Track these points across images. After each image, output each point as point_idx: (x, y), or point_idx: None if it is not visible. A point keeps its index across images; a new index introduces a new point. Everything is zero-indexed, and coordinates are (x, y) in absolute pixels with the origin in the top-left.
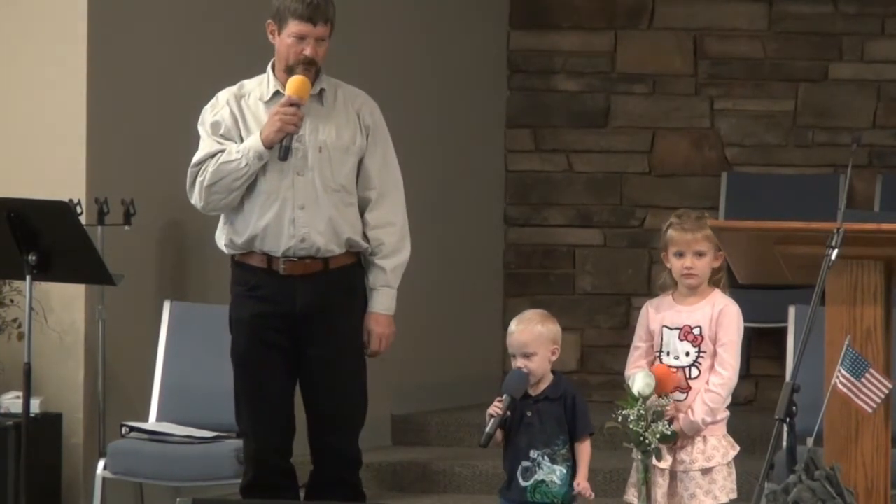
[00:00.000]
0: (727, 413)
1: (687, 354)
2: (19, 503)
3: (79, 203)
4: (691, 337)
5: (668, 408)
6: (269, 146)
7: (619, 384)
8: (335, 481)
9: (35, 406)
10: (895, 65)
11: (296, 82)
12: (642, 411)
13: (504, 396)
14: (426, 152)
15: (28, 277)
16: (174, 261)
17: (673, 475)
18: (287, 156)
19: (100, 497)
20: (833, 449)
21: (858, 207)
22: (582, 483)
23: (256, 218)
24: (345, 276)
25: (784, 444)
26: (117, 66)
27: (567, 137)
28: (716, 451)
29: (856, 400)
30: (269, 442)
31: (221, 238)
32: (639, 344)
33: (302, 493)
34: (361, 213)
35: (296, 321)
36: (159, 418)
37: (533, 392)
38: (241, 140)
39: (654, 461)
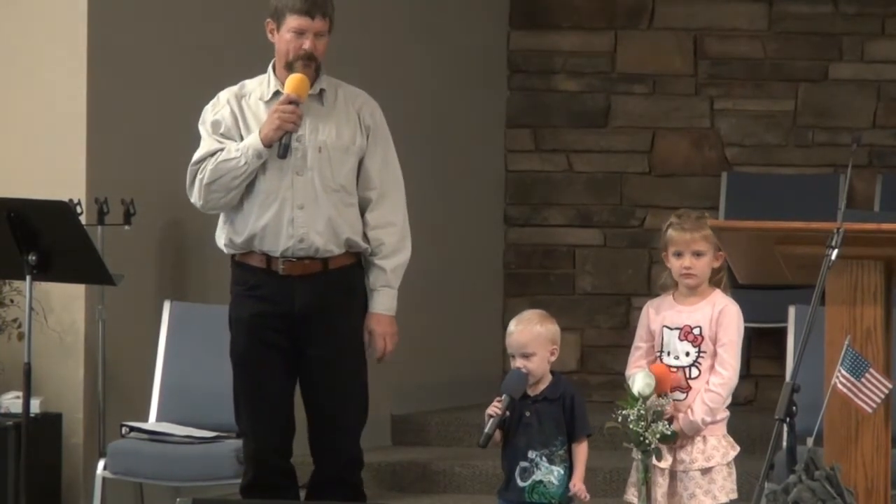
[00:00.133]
0: (727, 413)
1: (687, 354)
2: (19, 503)
3: (79, 203)
4: (691, 337)
5: (667, 407)
6: (268, 144)
7: (619, 384)
8: (336, 481)
9: (35, 406)
10: (895, 65)
11: (294, 80)
12: (642, 411)
13: (503, 396)
14: (426, 152)
15: (28, 277)
16: (174, 261)
17: (673, 475)
18: (286, 154)
19: (100, 497)
20: (833, 449)
21: (858, 207)
22: (578, 484)
23: (255, 218)
24: (344, 276)
25: (784, 444)
26: (117, 66)
27: (567, 137)
28: (715, 451)
29: (856, 400)
30: (268, 442)
31: (221, 237)
32: (639, 344)
33: (302, 494)
34: (362, 214)
35: (295, 321)
36: (159, 418)
37: (532, 392)
38: (242, 139)
39: (654, 461)
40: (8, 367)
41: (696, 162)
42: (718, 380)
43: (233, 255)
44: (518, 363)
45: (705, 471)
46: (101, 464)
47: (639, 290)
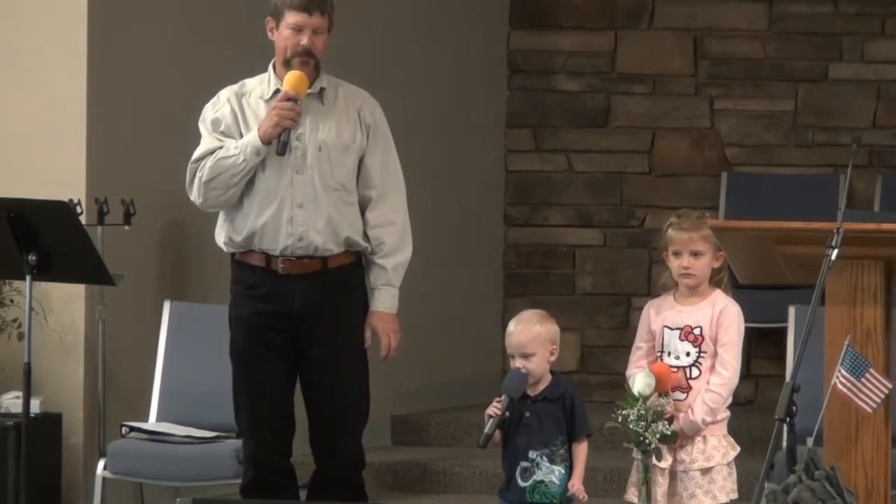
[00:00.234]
0: (727, 413)
1: (688, 354)
2: (19, 503)
3: (79, 203)
4: (692, 337)
5: (667, 407)
6: (266, 141)
7: (619, 384)
8: (337, 481)
9: (35, 406)
10: (895, 65)
11: (293, 77)
12: (642, 411)
13: (503, 397)
14: (426, 152)
15: (28, 277)
16: (174, 261)
17: (673, 475)
18: (285, 151)
19: (100, 497)
20: (833, 449)
21: (858, 207)
22: (576, 485)
23: (255, 216)
24: (344, 275)
25: (784, 444)
26: (117, 66)
27: (567, 137)
28: (716, 451)
29: (856, 400)
30: (267, 441)
31: (221, 236)
32: (640, 344)
33: (303, 494)
34: (362, 213)
35: (294, 320)
36: (159, 418)
37: (532, 392)
38: (241, 138)
39: (654, 461)
40: (8, 367)
41: (696, 162)
42: (719, 380)
43: (232, 254)
44: (518, 363)
45: (705, 471)
46: (101, 464)
47: (639, 290)
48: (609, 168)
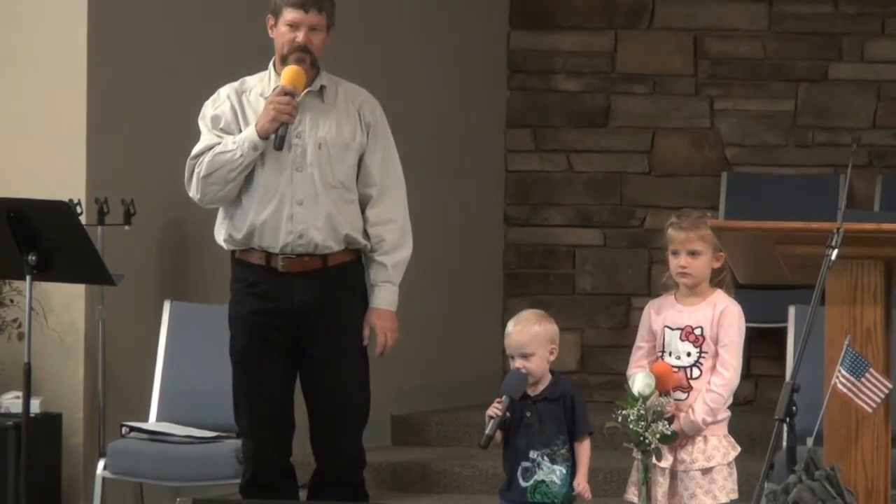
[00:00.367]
0: (728, 413)
1: (688, 355)
2: (19, 503)
3: (79, 203)
4: (692, 337)
5: (668, 406)
6: (264, 136)
7: (619, 384)
8: (337, 481)
9: (35, 406)
10: (895, 65)
11: (290, 72)
12: (642, 411)
13: (503, 398)
14: (426, 152)
15: (28, 277)
16: (174, 261)
17: (673, 475)
18: (282, 145)
19: (100, 497)
20: (833, 449)
21: (858, 207)
22: (581, 483)
23: (255, 213)
24: (344, 273)
25: (784, 444)
26: (117, 66)
27: (567, 137)
28: (716, 451)
29: (856, 400)
30: (267, 441)
31: (220, 233)
32: (641, 344)
33: (303, 493)
34: (363, 211)
35: (294, 319)
36: (159, 418)
37: (532, 392)
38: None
39: (655, 460)
40: (8, 367)
41: (696, 162)
42: (720, 380)
43: (233, 253)
44: (517, 363)
45: (706, 471)
46: (101, 464)
47: (639, 290)
48: (609, 168)
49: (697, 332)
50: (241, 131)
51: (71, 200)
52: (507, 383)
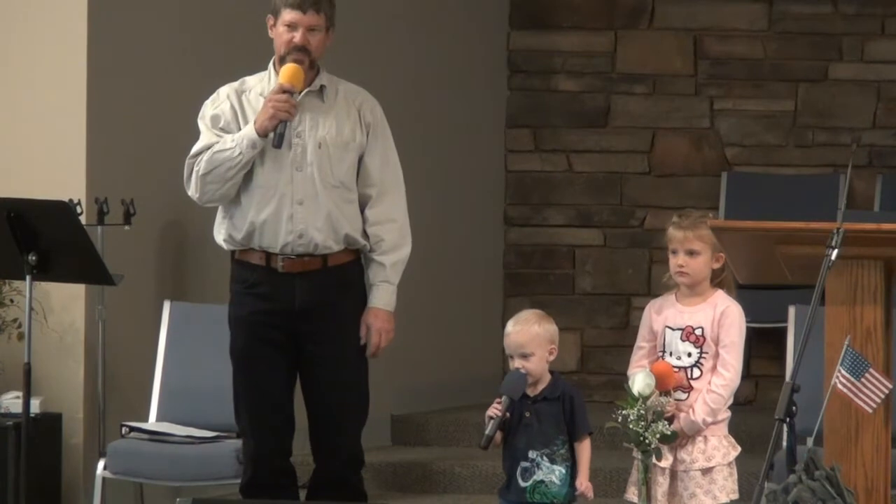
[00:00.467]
0: (728, 413)
1: (689, 355)
2: (19, 503)
3: (79, 203)
4: (693, 338)
5: (668, 406)
6: (262, 134)
7: (619, 384)
8: (336, 481)
9: (35, 406)
10: (895, 65)
11: (288, 70)
12: (642, 411)
13: (502, 398)
14: (426, 152)
15: (28, 277)
16: (174, 261)
17: (673, 474)
18: (282, 143)
19: (100, 497)
20: (833, 449)
21: (858, 207)
22: (584, 482)
23: (255, 212)
24: (344, 273)
25: (784, 444)
26: (117, 66)
27: (567, 137)
28: (716, 451)
29: (856, 400)
30: (267, 441)
31: (220, 233)
32: (642, 344)
33: (302, 493)
34: (362, 211)
35: (294, 319)
36: (159, 418)
37: (531, 392)
38: None
39: (655, 460)
40: (8, 367)
41: (696, 162)
42: (720, 381)
43: (232, 253)
44: (516, 363)
45: (706, 471)
46: (101, 464)
47: (639, 290)
48: (609, 168)
49: (698, 332)
50: (240, 130)
51: (71, 200)
52: (506, 383)
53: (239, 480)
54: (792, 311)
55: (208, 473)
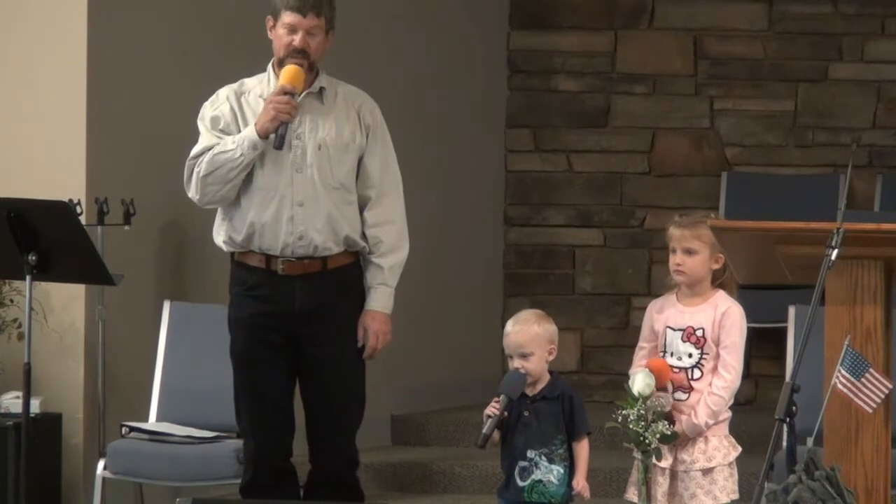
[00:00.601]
0: (729, 414)
1: (690, 356)
2: (19, 503)
3: (79, 203)
4: (694, 338)
5: (667, 406)
6: (263, 135)
7: (619, 384)
8: (333, 481)
9: (35, 406)
10: (895, 65)
11: (289, 71)
12: (642, 411)
13: (501, 397)
14: (426, 152)
15: (28, 277)
16: (174, 261)
17: (674, 475)
18: (282, 145)
19: (100, 497)
20: (833, 449)
21: (858, 207)
22: (581, 482)
23: (255, 214)
24: (344, 276)
25: (784, 444)
26: (117, 66)
27: (567, 137)
28: (717, 451)
29: (856, 400)
30: (268, 441)
31: (220, 235)
32: (643, 344)
33: (302, 494)
34: (361, 213)
35: (294, 321)
36: (159, 418)
37: (530, 392)
38: None
39: (655, 460)
40: (8, 367)
41: (696, 162)
42: (721, 382)
43: (232, 255)
44: (516, 363)
45: (706, 471)
46: (101, 464)
47: (639, 290)
48: (609, 168)
49: (699, 333)
50: (239, 132)
51: (71, 200)
52: (505, 383)
53: (239, 480)
54: (792, 311)
55: (208, 473)
